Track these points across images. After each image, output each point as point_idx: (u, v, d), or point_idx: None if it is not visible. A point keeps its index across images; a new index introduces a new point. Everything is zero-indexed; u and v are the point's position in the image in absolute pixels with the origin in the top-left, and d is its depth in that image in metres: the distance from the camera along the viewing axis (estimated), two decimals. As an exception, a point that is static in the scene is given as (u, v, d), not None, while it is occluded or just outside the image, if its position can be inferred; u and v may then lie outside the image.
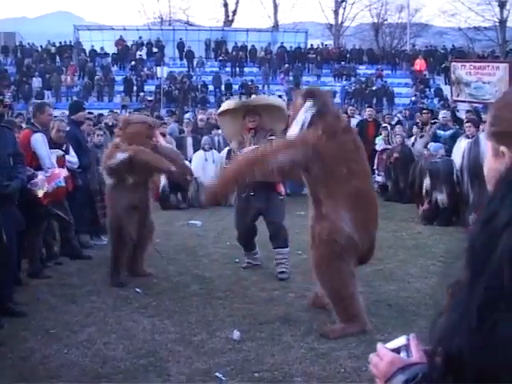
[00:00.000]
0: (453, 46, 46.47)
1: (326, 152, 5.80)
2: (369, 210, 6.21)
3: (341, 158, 5.89)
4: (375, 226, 6.37)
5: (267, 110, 8.45)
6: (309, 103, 5.85)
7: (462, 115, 18.66)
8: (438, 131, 14.54)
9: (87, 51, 44.71)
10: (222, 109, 8.84)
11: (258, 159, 6.00)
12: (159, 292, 7.78)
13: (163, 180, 13.79)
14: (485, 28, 52.53)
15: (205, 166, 14.60)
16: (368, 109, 19.21)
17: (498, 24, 52.08)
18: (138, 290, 7.80)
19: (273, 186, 8.22)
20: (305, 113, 5.84)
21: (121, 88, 38.68)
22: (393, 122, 19.41)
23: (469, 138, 12.52)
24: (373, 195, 6.59)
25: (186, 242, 10.79)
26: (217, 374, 5.19)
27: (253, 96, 9.92)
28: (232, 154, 8.94)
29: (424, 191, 13.00)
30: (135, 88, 38.88)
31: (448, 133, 14.34)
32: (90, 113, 16.55)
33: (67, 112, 11.95)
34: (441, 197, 12.74)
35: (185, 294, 7.68)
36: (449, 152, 13.52)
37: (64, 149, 9.35)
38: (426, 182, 13.07)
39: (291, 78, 39.96)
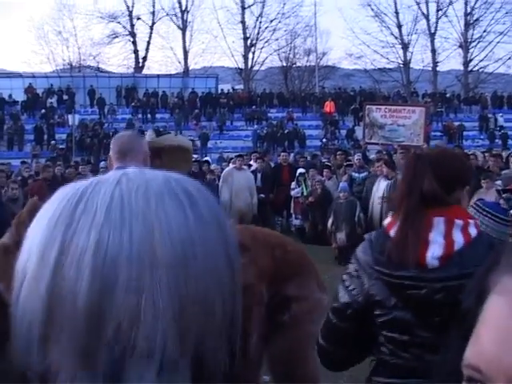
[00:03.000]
0: (360, 87, 47.66)
1: None
2: None
3: None
4: None
5: (170, 151, 6.32)
6: None
7: (372, 156, 18.97)
8: (353, 173, 14.78)
9: (-5, 99, 43.59)
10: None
11: None
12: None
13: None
14: (390, 69, 54.28)
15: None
16: (282, 153, 19.30)
17: (402, 66, 53.90)
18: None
19: None
20: None
21: (31, 137, 37.83)
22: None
23: (388, 179, 12.59)
24: None
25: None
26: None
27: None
28: None
29: (328, 231, 13.25)
30: (46, 136, 38.12)
31: (362, 175, 14.60)
32: (1, 163, 16.10)
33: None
34: (340, 235, 12.99)
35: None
36: (361, 193, 13.84)
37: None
38: (329, 222, 13.33)
39: (214, 123, 40.35)
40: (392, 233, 2.64)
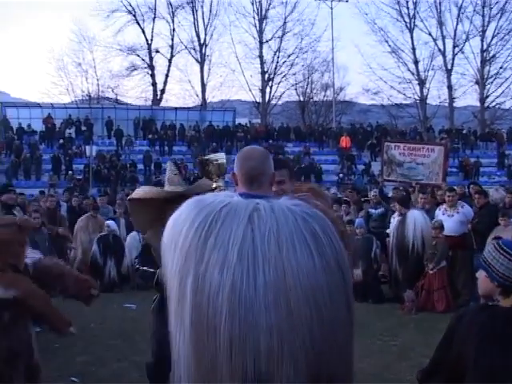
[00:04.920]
0: (377, 122, 47.71)
1: None
2: None
3: None
4: None
5: None
6: None
7: (389, 191, 18.85)
8: (370, 210, 14.78)
9: (14, 128, 44.01)
10: (137, 195, 5.60)
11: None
12: (97, 380, 7.54)
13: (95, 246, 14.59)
14: (406, 105, 54.36)
15: (139, 247, 14.43)
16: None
17: (418, 101, 53.95)
18: (73, 378, 7.56)
19: None
20: None
21: (49, 166, 38.14)
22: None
23: (401, 214, 12.69)
24: None
25: (121, 326, 10.55)
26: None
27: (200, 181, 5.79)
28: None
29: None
30: (63, 167, 38.41)
31: (379, 210, 14.58)
32: (21, 193, 15.98)
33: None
34: (356, 272, 12.96)
35: (125, 382, 7.44)
36: (378, 229, 13.85)
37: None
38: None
39: (233, 157, 40.24)
40: None
